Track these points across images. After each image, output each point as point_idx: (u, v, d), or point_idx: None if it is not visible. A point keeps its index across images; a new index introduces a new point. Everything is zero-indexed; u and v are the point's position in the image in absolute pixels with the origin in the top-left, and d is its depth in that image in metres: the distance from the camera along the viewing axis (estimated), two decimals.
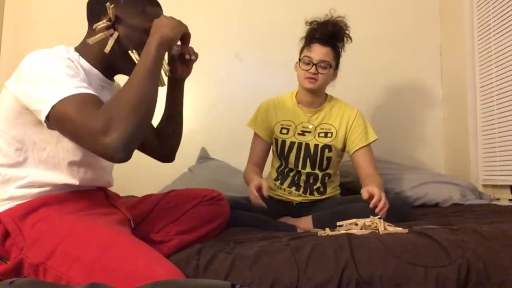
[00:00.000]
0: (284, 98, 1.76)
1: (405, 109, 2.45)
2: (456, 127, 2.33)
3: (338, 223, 1.24)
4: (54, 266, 0.85)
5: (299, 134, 1.68)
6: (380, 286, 0.88)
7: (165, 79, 1.11)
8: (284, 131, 1.70)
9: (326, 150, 1.66)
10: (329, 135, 1.67)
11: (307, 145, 1.67)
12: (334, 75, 1.69)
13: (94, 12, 1.04)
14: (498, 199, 2.00)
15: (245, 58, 2.49)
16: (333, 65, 1.64)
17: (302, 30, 1.70)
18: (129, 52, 1.03)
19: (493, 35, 2.00)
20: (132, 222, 1.11)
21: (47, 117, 0.87)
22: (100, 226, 0.92)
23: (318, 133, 1.68)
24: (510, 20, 1.88)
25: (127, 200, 1.24)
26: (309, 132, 1.68)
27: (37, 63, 0.91)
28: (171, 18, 1.03)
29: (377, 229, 1.12)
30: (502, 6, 1.94)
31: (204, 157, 2.36)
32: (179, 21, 1.04)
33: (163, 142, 1.27)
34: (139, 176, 2.27)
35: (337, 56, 1.66)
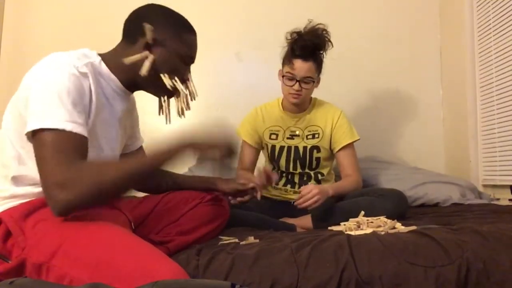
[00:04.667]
0: (271, 105, 1.79)
1: (405, 109, 2.45)
2: (456, 127, 2.33)
3: (342, 223, 1.25)
4: (58, 265, 0.85)
5: (288, 138, 1.73)
6: (380, 286, 0.88)
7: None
8: (273, 136, 1.74)
9: (315, 151, 1.70)
10: (316, 136, 1.71)
11: (296, 148, 1.71)
12: (317, 81, 1.69)
13: (132, 31, 1.04)
14: (498, 199, 2.00)
15: (245, 58, 2.49)
16: (316, 78, 1.65)
17: None
18: (161, 75, 1.02)
19: (493, 35, 2.00)
20: (132, 224, 1.11)
21: (29, 133, 0.87)
22: (102, 225, 0.92)
23: (306, 136, 1.72)
24: (510, 20, 1.88)
25: (128, 201, 1.24)
26: (298, 135, 1.72)
27: (47, 76, 0.89)
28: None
29: (381, 226, 1.13)
30: (502, 6, 1.94)
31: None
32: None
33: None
34: None
35: (319, 67, 1.65)
